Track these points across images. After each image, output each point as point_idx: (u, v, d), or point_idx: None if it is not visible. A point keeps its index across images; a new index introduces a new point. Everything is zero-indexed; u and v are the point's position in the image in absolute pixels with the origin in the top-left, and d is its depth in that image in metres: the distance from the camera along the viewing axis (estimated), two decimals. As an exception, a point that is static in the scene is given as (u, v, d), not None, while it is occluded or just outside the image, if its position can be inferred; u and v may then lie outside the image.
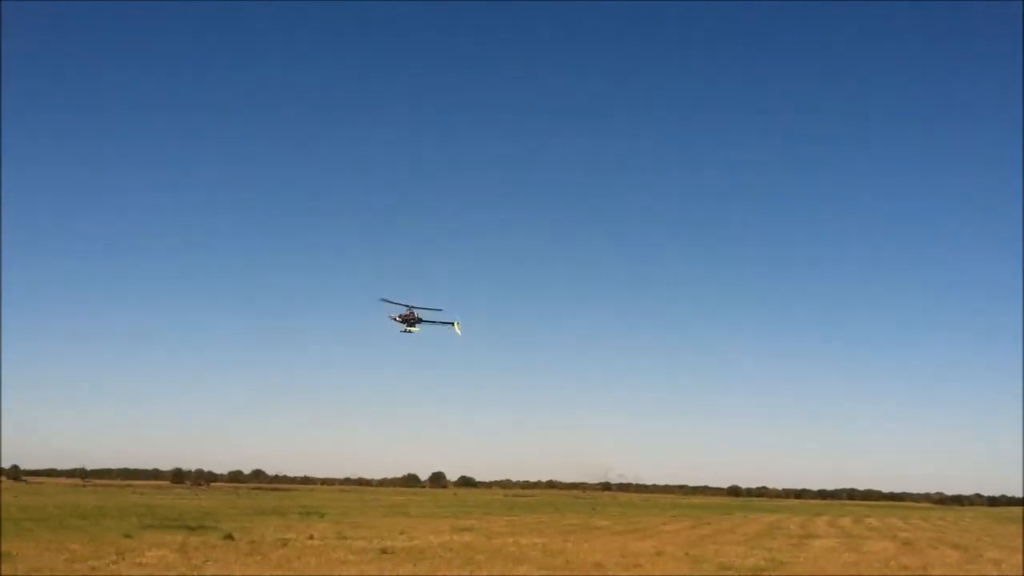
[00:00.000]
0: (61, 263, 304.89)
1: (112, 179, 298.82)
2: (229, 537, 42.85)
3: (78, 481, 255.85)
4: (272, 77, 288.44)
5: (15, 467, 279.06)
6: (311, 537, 45.09)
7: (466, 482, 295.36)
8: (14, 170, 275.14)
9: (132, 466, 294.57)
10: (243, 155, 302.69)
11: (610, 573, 29.68)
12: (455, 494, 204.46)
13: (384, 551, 37.14)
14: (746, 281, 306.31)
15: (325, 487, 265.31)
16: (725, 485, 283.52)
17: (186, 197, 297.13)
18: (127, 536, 42.48)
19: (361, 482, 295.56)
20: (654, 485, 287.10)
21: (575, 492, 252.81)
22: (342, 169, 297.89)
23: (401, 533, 50.07)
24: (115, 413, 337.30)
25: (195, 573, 27.33)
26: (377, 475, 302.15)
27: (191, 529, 49.02)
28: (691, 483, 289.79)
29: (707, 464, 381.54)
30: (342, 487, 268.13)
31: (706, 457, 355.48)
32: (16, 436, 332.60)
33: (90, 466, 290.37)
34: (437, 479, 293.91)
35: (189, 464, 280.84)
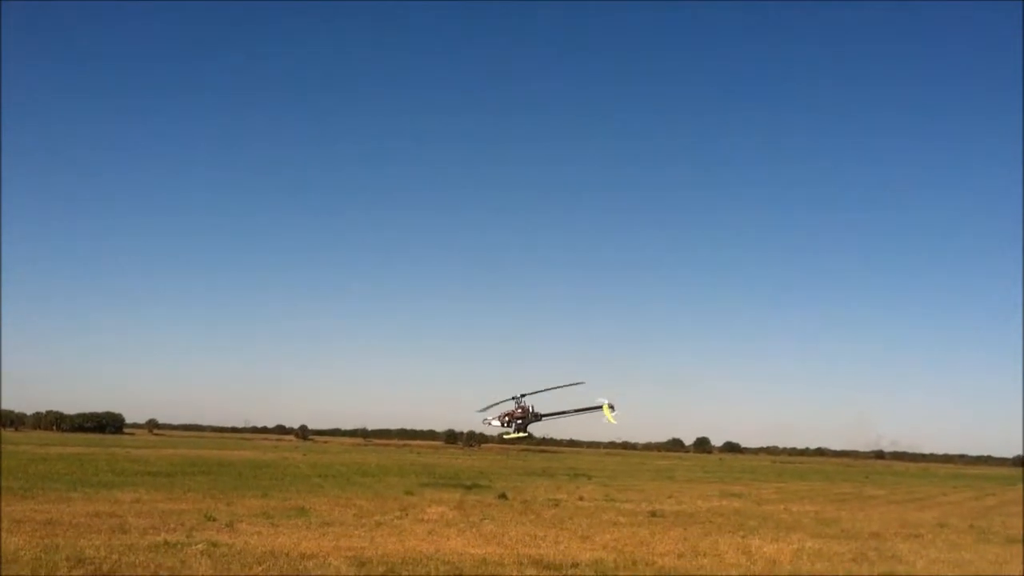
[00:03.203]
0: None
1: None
2: (503, 496, 44.30)
3: (360, 440, 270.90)
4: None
5: (304, 427, 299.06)
6: (581, 499, 45.95)
7: (731, 448, 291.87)
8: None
9: (409, 427, 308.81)
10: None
11: (890, 543, 28.65)
12: (721, 460, 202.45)
13: (653, 514, 37.35)
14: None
15: (590, 450, 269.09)
16: (1010, 455, 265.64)
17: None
18: (408, 493, 44.71)
19: (626, 446, 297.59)
20: (931, 454, 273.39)
21: (845, 460, 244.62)
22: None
23: (669, 497, 50.20)
24: (394, 380, 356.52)
25: (474, 529, 28.43)
26: (642, 439, 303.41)
27: (467, 488, 51.00)
28: (972, 452, 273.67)
29: (989, 432, 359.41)
30: (607, 450, 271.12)
31: (988, 425, 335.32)
32: (304, 400, 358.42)
33: (371, 427, 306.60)
34: (702, 444, 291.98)
35: (461, 426, 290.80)
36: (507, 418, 26.99)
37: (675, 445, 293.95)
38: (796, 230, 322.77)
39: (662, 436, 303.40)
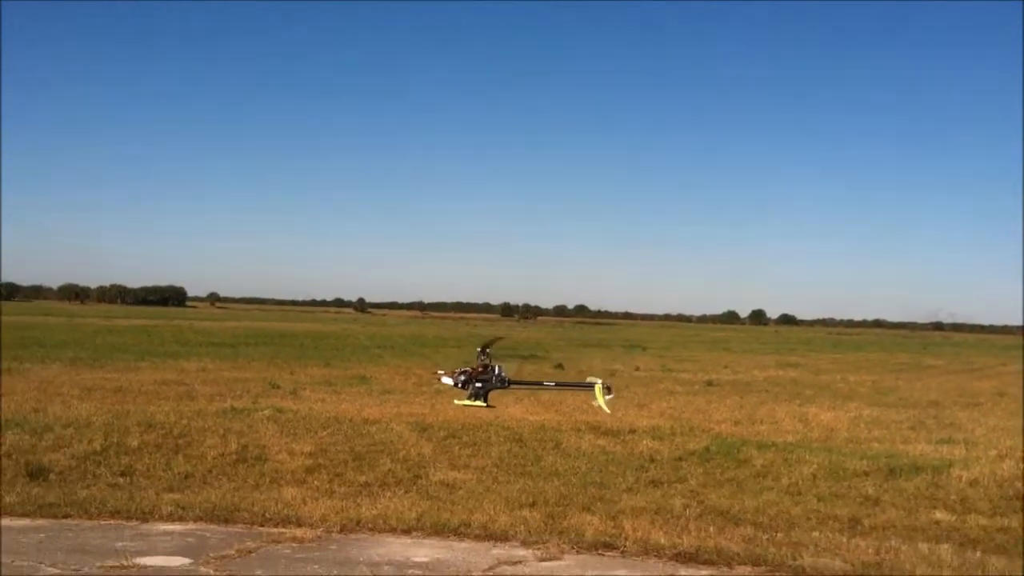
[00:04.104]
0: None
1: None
2: (559, 367, 44.79)
3: (417, 313, 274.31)
4: None
5: (361, 300, 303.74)
6: (636, 369, 46.34)
7: (787, 320, 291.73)
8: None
9: (465, 300, 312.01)
10: None
11: (949, 412, 28.61)
12: (776, 331, 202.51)
13: (709, 383, 37.60)
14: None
15: (645, 322, 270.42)
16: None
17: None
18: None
19: (680, 318, 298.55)
20: (991, 325, 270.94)
21: (903, 331, 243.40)
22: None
23: (725, 367, 50.45)
24: (450, 253, 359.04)
25: (532, 397, 28.80)
26: (696, 311, 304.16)
27: (524, 358, 51.59)
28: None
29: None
30: (662, 323, 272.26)
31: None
32: (362, 274, 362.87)
33: (427, 300, 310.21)
34: (757, 316, 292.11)
35: (516, 299, 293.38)
36: (462, 376, 15.15)
37: (730, 317, 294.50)
38: (855, 96, 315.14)
39: (717, 308, 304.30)
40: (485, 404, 12.70)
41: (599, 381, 12.88)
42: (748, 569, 10.26)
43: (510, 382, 13.01)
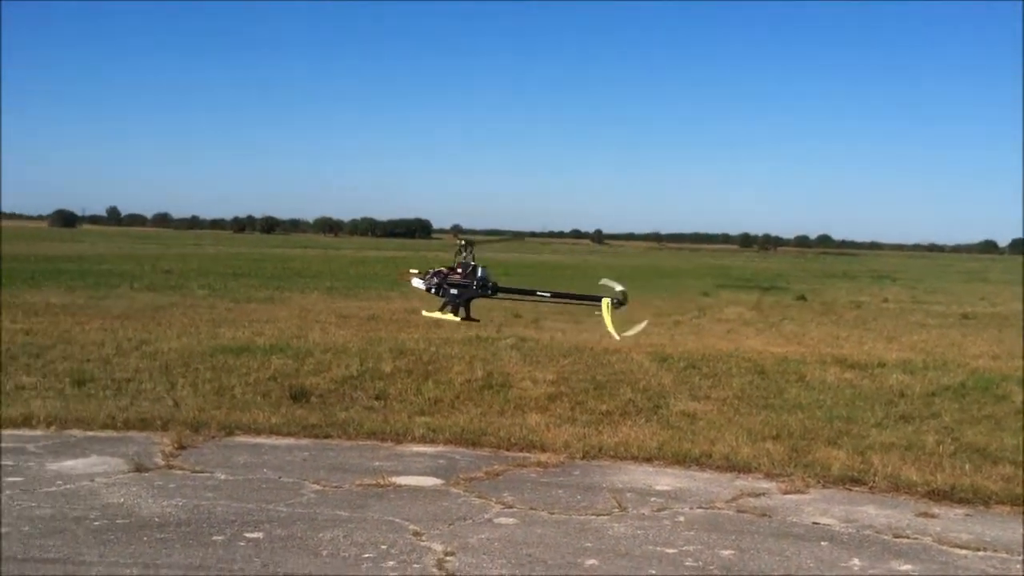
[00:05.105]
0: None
1: None
2: (802, 298, 43.63)
3: (653, 244, 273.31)
4: None
5: (598, 231, 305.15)
6: (885, 300, 44.58)
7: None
8: None
9: (703, 231, 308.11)
10: None
11: None
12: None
13: (965, 316, 35.75)
14: None
15: (893, 253, 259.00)
16: None
17: None
18: (705, 294, 44.88)
19: (932, 248, 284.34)
20: None
21: None
22: None
23: (982, 299, 47.79)
24: (687, 181, 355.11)
25: (773, 329, 28.30)
26: (950, 241, 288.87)
27: (764, 290, 50.59)
28: None
29: None
30: (911, 253, 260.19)
31: None
32: (594, 204, 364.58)
33: (664, 231, 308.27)
34: (1019, 245, 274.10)
35: (756, 229, 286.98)
36: (435, 280, 10.73)
37: (988, 247, 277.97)
38: None
39: (973, 237, 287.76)
40: (463, 318, 10.12)
41: (618, 289, 9.83)
42: (1007, 508, 9.81)
43: (496, 289, 10.29)
